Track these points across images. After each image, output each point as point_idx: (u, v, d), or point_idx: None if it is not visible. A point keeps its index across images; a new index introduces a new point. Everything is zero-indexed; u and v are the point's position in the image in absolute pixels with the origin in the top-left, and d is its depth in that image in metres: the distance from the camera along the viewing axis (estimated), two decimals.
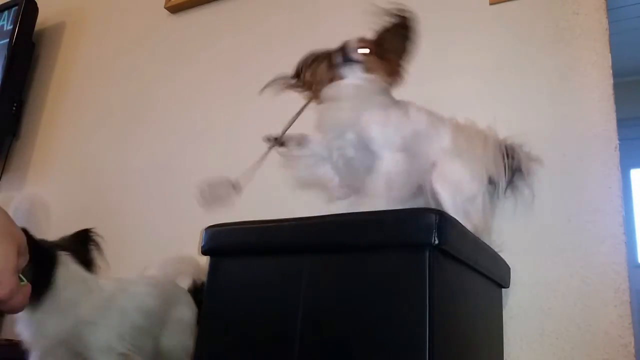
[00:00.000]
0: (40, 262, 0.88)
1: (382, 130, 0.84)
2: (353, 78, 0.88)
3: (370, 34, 0.91)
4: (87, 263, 1.00)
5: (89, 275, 0.99)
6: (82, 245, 1.02)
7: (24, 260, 0.50)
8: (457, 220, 0.73)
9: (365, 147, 0.85)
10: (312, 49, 1.47)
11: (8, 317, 1.72)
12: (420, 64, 1.28)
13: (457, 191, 0.84)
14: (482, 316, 0.89)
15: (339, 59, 0.90)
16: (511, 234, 1.01)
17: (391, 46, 0.88)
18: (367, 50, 0.87)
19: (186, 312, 1.11)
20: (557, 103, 1.07)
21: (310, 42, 1.49)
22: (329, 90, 0.90)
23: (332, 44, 1.43)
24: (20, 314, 0.90)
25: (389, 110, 0.87)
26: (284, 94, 0.96)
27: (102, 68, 1.95)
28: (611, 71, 1.03)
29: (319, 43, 1.47)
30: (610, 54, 1.04)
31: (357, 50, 0.87)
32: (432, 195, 0.85)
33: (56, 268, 0.92)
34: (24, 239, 0.50)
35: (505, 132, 1.11)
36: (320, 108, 0.91)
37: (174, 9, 1.80)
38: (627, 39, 2.66)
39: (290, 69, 1.50)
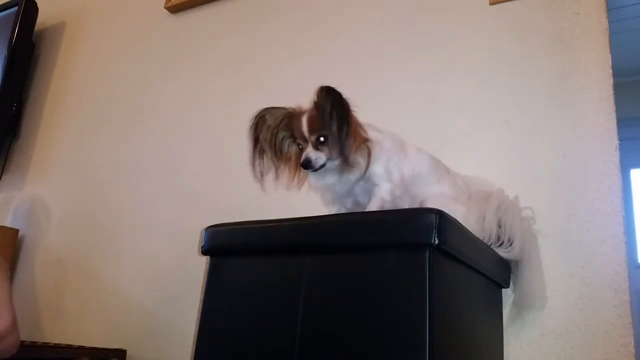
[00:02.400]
0: None
1: (385, 165, 0.87)
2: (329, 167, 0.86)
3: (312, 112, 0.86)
4: None
5: None
6: None
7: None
8: (457, 221, 0.73)
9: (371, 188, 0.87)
10: (311, 49, 1.48)
11: None
12: (420, 63, 1.29)
13: None
14: (482, 316, 0.89)
15: (300, 144, 0.88)
16: None
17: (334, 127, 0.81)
18: (322, 139, 0.85)
19: None
20: (557, 103, 1.07)
21: (311, 42, 1.50)
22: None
23: (333, 44, 1.44)
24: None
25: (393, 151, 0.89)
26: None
27: (102, 68, 1.95)
28: (611, 71, 1.03)
29: (319, 43, 1.48)
30: (610, 54, 1.04)
31: (313, 141, 0.85)
32: None
33: None
34: (6, 264, 0.47)
35: (505, 131, 1.12)
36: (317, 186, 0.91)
37: (174, 9, 1.80)
38: (627, 39, 2.66)
39: (290, 70, 1.51)
